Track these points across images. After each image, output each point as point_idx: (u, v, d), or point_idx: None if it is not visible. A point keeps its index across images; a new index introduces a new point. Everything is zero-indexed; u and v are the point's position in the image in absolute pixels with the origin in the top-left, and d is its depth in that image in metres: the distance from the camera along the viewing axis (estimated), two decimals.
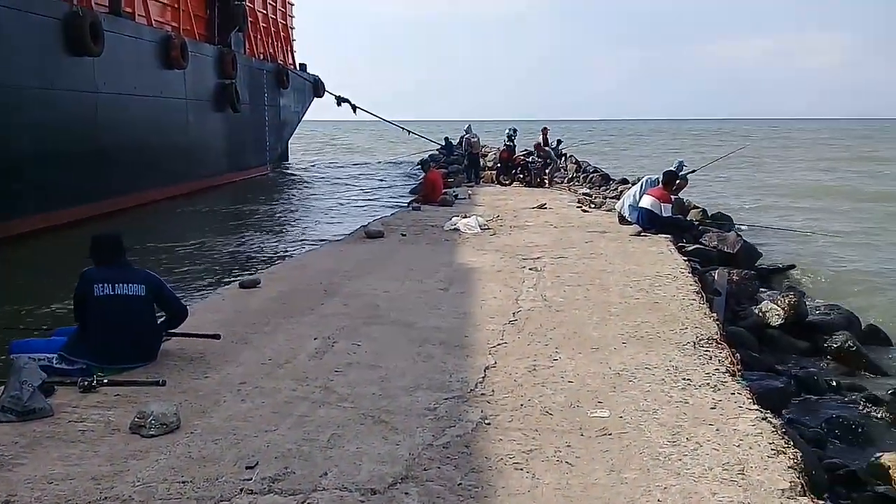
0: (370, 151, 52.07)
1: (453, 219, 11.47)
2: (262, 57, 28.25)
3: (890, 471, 4.74)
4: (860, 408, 6.29)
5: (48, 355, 4.57)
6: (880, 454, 5.08)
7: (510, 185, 19.27)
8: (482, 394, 4.30)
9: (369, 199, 21.92)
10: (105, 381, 4.42)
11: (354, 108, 33.02)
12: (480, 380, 4.53)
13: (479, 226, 11.00)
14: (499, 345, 5.29)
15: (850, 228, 16.83)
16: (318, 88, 33.92)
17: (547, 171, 19.24)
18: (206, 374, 4.66)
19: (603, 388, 4.38)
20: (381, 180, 28.90)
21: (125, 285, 4.77)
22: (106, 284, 4.73)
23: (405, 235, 10.63)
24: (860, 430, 5.79)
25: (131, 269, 4.99)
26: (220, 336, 5.28)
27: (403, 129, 36.27)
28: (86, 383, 4.35)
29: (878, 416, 6.19)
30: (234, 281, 8.35)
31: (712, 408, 4.04)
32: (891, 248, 14.73)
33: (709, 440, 3.63)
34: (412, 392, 4.33)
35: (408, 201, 17.36)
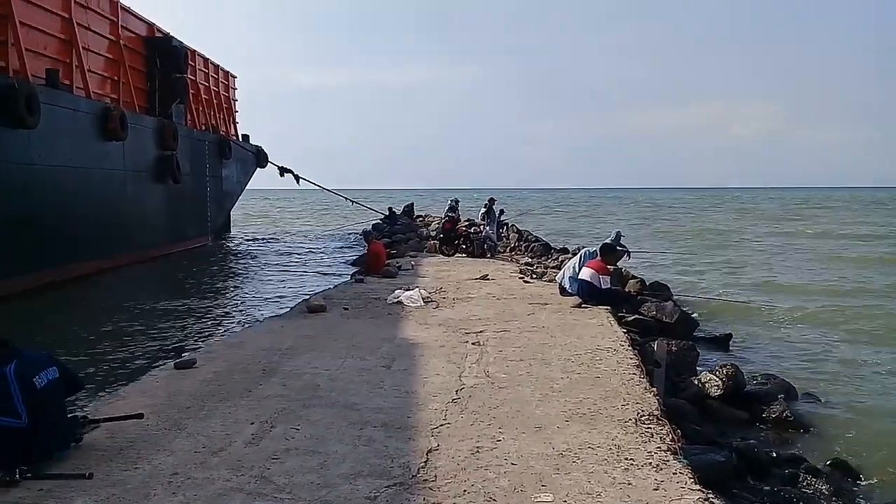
0: (313, 221, 51.88)
1: (396, 291, 11.42)
2: (203, 128, 28.14)
3: None
4: (801, 480, 6.34)
5: None
6: None
7: (453, 255, 19.39)
8: (424, 480, 4.21)
9: (311, 271, 21.70)
10: (28, 474, 4.18)
11: (297, 178, 33.10)
12: (422, 465, 4.44)
13: (422, 298, 10.99)
14: (442, 425, 5.21)
15: (783, 301, 17.26)
16: (260, 159, 33.85)
17: (485, 246, 19.45)
18: (135, 465, 4.46)
19: (546, 470, 4.34)
20: (324, 251, 28.75)
21: (47, 371, 4.53)
22: (39, 375, 4.44)
23: (347, 309, 10.52)
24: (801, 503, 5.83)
25: (34, 352, 4.74)
26: (143, 415, 5.14)
27: (346, 198, 36.43)
28: (7, 479, 4.11)
29: (819, 488, 6.24)
30: (168, 360, 8.10)
31: (655, 489, 4.03)
32: (822, 314, 15.18)
33: None
34: (352, 480, 4.21)
35: (350, 273, 17.26)
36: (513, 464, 4.45)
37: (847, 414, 8.71)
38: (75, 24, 18.22)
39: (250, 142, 33.88)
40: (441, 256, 19.44)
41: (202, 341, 10.96)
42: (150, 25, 23.72)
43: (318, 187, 34.46)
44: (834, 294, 17.84)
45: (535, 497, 3.97)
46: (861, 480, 6.69)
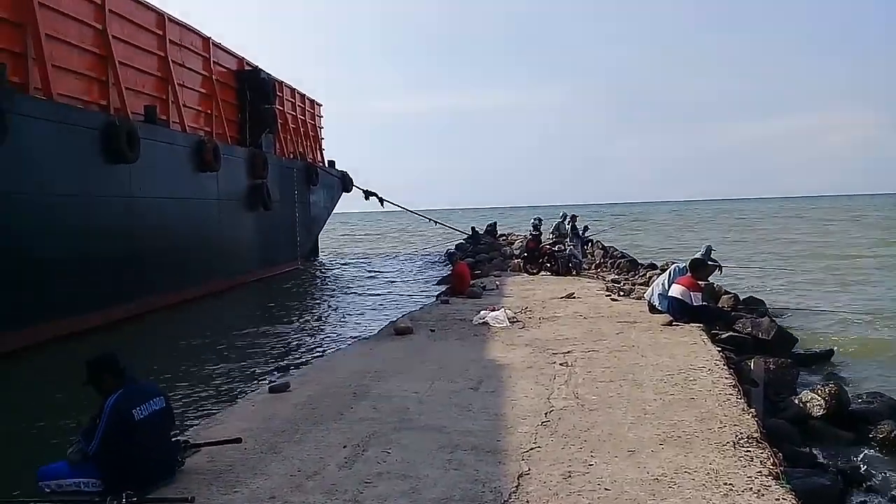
0: (397, 243, 52.56)
1: (481, 312, 11.42)
2: (291, 156, 29.01)
3: None
4: None
5: (78, 480, 4.48)
6: None
7: (537, 273, 19.27)
8: None
9: (397, 293, 21.98)
10: (134, 498, 4.35)
11: (382, 200, 33.65)
12: (514, 489, 4.41)
13: (508, 319, 10.95)
14: (532, 449, 5.17)
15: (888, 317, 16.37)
16: (346, 184, 34.63)
17: (570, 263, 19.21)
18: (234, 489, 4.59)
19: (642, 496, 4.24)
20: (408, 272, 29.07)
21: (151, 401, 4.67)
22: (141, 407, 4.56)
23: (434, 331, 10.59)
24: None
25: (146, 382, 4.94)
26: (241, 440, 5.27)
27: (429, 219, 36.76)
28: (115, 502, 4.29)
29: None
30: (263, 383, 8.33)
31: None
32: None
33: None
34: None
35: (435, 294, 17.38)
36: (606, 489, 4.37)
37: None
38: (171, 62, 19.17)
39: (336, 167, 34.69)
40: (525, 275, 19.33)
41: (295, 365, 11.22)
42: (240, 59, 24.70)
43: (401, 209, 34.94)
44: None
45: None
46: None
